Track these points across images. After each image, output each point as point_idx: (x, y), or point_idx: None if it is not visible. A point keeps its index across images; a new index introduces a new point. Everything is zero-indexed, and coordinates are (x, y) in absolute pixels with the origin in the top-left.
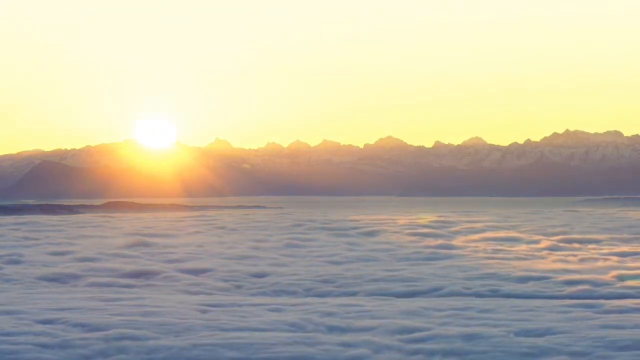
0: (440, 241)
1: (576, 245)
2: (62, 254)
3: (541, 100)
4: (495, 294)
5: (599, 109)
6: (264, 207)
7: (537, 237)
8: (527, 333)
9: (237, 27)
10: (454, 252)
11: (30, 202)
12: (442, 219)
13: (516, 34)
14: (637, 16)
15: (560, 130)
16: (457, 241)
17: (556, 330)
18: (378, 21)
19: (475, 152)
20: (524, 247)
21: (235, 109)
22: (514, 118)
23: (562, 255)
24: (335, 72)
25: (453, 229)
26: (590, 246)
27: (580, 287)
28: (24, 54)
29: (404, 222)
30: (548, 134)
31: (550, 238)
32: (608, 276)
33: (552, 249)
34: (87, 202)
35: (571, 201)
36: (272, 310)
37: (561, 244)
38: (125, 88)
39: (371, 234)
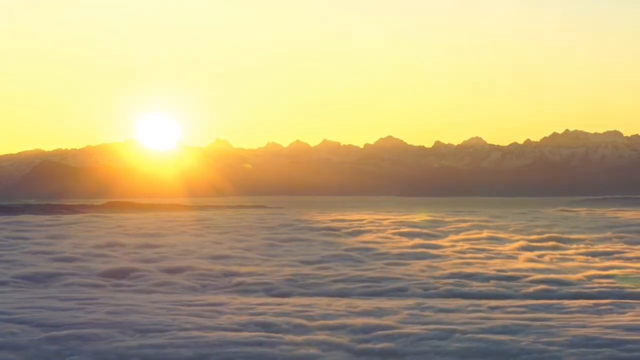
0: (418, 241)
1: (554, 245)
2: (41, 253)
3: (541, 100)
4: (458, 294)
5: (598, 110)
6: (264, 207)
7: (517, 237)
8: (474, 333)
9: (237, 27)
10: (430, 251)
11: (31, 202)
12: (432, 218)
13: (516, 35)
14: (637, 16)
15: (560, 131)
16: (437, 241)
17: (500, 330)
18: (378, 21)
19: (475, 152)
20: (501, 247)
21: (235, 109)
22: (514, 118)
23: (536, 255)
24: (335, 72)
25: (439, 228)
26: (567, 245)
27: (543, 287)
28: (24, 54)
29: (393, 221)
30: (548, 134)
31: (531, 238)
32: (574, 276)
33: (528, 249)
34: (89, 202)
35: (570, 201)
36: (232, 310)
37: (539, 244)
38: (126, 88)
39: (355, 233)
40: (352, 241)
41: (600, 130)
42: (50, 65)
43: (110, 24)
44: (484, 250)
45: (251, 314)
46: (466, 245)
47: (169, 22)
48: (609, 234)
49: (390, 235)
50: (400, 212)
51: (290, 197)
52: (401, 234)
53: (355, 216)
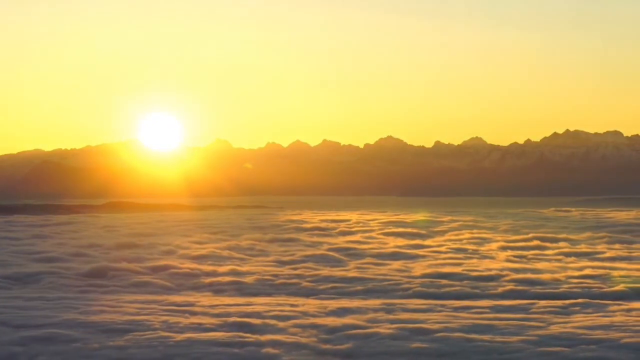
0: (402, 241)
1: (536, 244)
2: (23, 253)
3: (541, 100)
4: (429, 294)
5: (599, 109)
6: (264, 207)
7: (502, 237)
8: (436, 333)
9: (237, 27)
10: (411, 251)
11: (31, 202)
12: (425, 218)
13: (516, 34)
14: (638, 15)
15: (561, 130)
16: (422, 241)
17: (463, 330)
18: (378, 21)
19: (475, 152)
20: (483, 247)
21: (235, 109)
22: (514, 118)
23: (516, 255)
24: (335, 72)
25: (429, 229)
26: (550, 245)
27: (515, 287)
28: (25, 53)
29: (384, 221)
30: (548, 134)
31: (515, 238)
32: (549, 276)
33: (509, 249)
34: (88, 202)
35: (571, 201)
36: (202, 310)
37: (521, 244)
38: (125, 88)
39: (343, 233)
40: (338, 241)
41: (601, 130)
42: (50, 65)
43: (111, 23)
44: (465, 250)
45: (221, 314)
46: (449, 246)
47: (169, 22)
48: (588, 234)
49: (376, 236)
50: (396, 212)
51: (291, 197)
52: (388, 234)
53: (348, 216)
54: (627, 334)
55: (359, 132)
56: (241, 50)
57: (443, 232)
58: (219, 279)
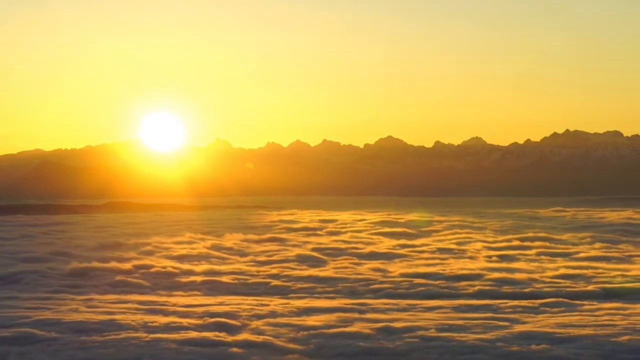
0: (389, 241)
1: (518, 244)
2: (7, 253)
3: (541, 100)
4: (401, 294)
5: (599, 109)
6: (264, 207)
7: (488, 237)
8: (402, 333)
9: (237, 27)
10: (395, 251)
11: (30, 202)
12: (419, 218)
13: (516, 34)
14: (638, 15)
15: (560, 131)
16: (408, 241)
17: (420, 329)
18: (378, 20)
19: (475, 152)
20: (466, 247)
21: (235, 109)
22: (514, 118)
23: (497, 255)
24: (335, 72)
25: (419, 228)
26: (533, 244)
27: (489, 287)
28: (25, 54)
29: (376, 221)
30: (548, 134)
31: (501, 238)
32: (525, 276)
33: (492, 249)
34: (88, 202)
35: (570, 201)
36: (174, 310)
37: (504, 244)
38: (126, 88)
39: (332, 233)
40: (324, 241)
41: (601, 130)
42: (51, 65)
43: (111, 23)
44: (448, 250)
45: (193, 314)
46: (434, 245)
47: (169, 22)
48: (573, 234)
49: (364, 236)
50: (390, 212)
51: (291, 197)
52: (376, 234)
53: (341, 216)
54: (589, 332)
55: (359, 132)
56: (241, 50)
57: (431, 232)
58: (195, 278)
